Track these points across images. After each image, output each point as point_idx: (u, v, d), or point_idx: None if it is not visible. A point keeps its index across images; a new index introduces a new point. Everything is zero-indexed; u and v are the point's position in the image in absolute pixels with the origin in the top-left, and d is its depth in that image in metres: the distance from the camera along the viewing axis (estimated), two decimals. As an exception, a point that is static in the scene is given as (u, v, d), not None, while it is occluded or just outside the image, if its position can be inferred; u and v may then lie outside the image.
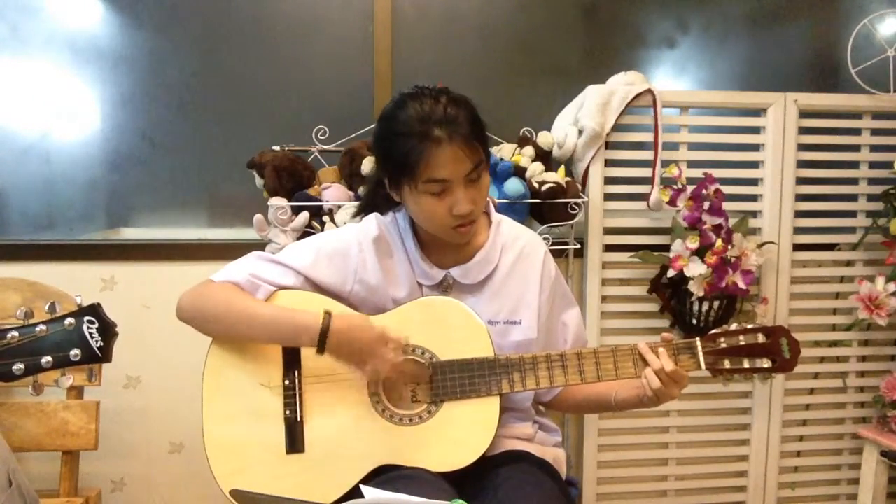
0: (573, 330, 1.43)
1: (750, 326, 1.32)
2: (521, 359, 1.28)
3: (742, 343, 1.30)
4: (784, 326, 1.32)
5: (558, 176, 1.95)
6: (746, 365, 1.30)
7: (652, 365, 1.26)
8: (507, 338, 1.33)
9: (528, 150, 1.96)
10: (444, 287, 1.34)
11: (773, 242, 2.08)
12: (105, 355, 1.06)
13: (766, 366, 1.30)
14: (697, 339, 1.30)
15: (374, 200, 1.41)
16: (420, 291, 1.34)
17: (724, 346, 1.30)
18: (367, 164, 1.84)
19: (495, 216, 1.40)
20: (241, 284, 1.28)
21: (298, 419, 1.25)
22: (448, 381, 1.26)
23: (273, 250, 1.76)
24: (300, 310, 1.24)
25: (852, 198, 2.16)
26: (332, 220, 1.84)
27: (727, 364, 1.30)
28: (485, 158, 1.25)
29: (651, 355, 1.27)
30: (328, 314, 1.22)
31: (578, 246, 2.03)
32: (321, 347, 1.21)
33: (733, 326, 1.32)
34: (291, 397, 1.26)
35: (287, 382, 1.27)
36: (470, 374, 1.26)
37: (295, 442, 1.25)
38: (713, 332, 1.32)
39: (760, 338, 1.30)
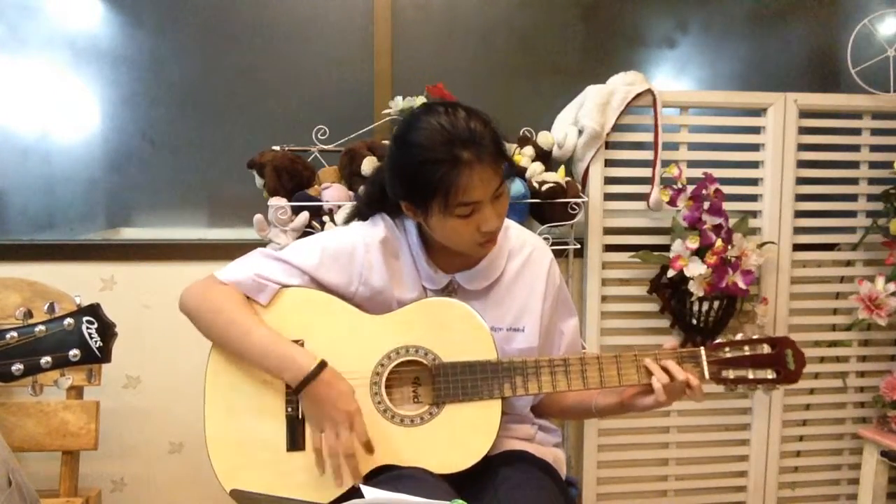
0: (568, 339, 1.42)
1: (755, 337, 1.31)
2: (525, 362, 1.27)
3: (747, 353, 1.30)
4: (790, 338, 1.32)
5: (558, 176, 1.95)
6: (751, 375, 1.29)
7: (660, 379, 1.25)
8: (510, 345, 1.33)
9: (528, 150, 1.96)
10: (449, 292, 1.34)
11: (773, 242, 2.08)
12: (104, 356, 1.06)
13: (769, 377, 1.29)
14: (702, 348, 1.30)
15: (370, 207, 1.37)
16: (425, 295, 1.33)
17: (728, 355, 1.29)
18: (367, 164, 1.84)
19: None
20: (246, 285, 1.28)
21: (300, 417, 1.25)
22: (451, 382, 1.25)
23: (274, 250, 1.76)
24: (296, 346, 1.24)
25: (852, 198, 2.16)
26: (332, 220, 1.84)
27: (731, 374, 1.29)
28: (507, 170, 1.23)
29: (656, 367, 1.26)
30: (322, 364, 1.21)
31: (578, 246, 2.03)
32: (299, 389, 1.21)
33: (738, 336, 1.32)
34: (293, 395, 1.25)
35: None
36: (472, 376, 1.25)
37: (296, 439, 1.25)
38: (718, 341, 1.31)
39: (765, 348, 1.30)
